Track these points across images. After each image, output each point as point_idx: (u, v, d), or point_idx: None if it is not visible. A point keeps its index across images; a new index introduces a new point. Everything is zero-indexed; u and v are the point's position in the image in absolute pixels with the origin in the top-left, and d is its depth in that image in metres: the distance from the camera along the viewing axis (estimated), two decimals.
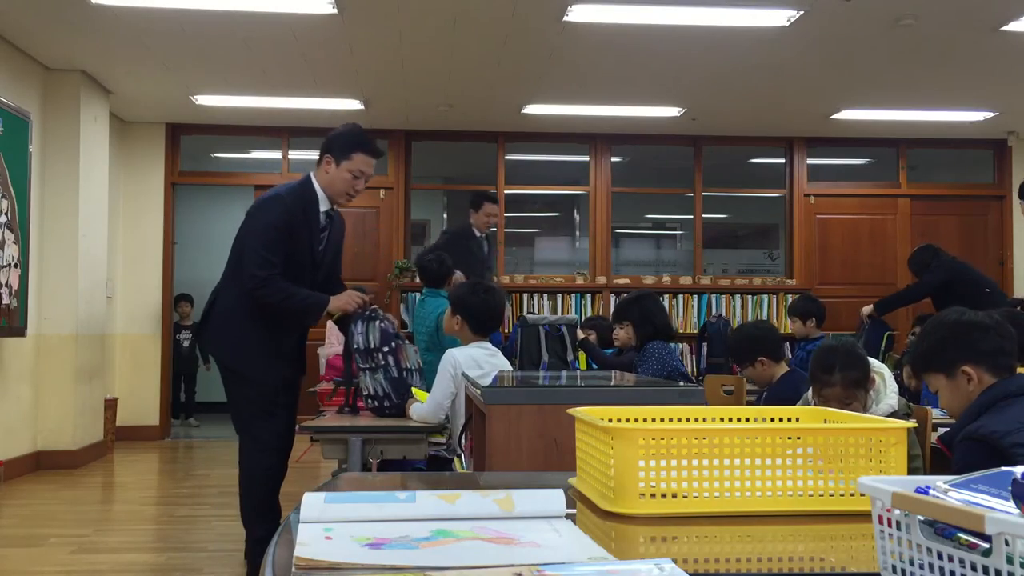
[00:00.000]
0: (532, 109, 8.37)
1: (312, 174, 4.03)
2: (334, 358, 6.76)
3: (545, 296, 9.12)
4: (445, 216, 11.31)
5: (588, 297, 9.18)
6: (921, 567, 0.97)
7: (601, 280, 9.31)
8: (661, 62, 7.02)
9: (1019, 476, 0.95)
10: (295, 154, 9.26)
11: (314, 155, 4.20)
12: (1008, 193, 9.62)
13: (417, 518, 1.25)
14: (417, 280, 7.81)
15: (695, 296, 9.28)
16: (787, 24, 6.09)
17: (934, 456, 3.36)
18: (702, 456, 1.46)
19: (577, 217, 10.46)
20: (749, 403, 4.95)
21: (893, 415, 3.08)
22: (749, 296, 9.31)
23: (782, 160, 9.76)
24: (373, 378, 4.00)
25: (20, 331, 6.66)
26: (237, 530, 4.30)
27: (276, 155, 9.26)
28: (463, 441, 3.21)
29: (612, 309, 7.56)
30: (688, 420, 1.72)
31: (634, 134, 9.36)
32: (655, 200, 11.12)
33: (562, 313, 8.95)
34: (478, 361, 3.79)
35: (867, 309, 7.26)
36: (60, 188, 7.29)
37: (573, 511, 1.35)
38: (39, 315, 7.08)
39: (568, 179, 10.28)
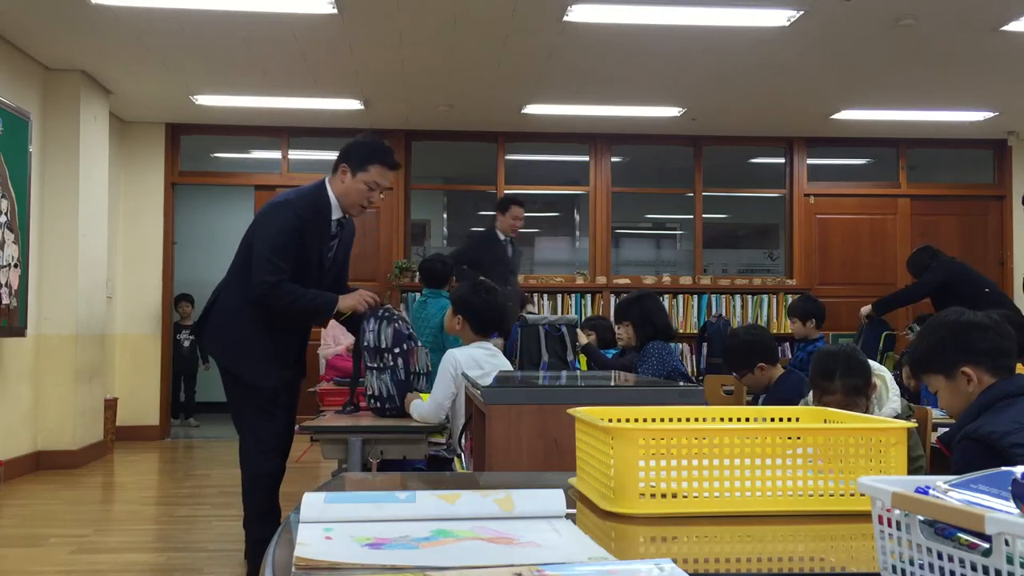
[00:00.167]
0: (532, 109, 8.37)
1: (327, 180, 3.96)
2: (334, 358, 6.77)
3: (545, 296, 9.13)
4: (445, 216, 11.32)
5: (588, 297, 9.18)
6: (921, 567, 0.97)
7: (601, 280, 9.31)
8: (661, 62, 7.02)
9: (1019, 476, 0.95)
10: (295, 154, 9.26)
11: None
12: (1008, 193, 9.63)
13: (417, 518, 1.25)
14: (417, 280, 7.83)
15: (695, 296, 9.28)
16: (787, 24, 6.09)
17: (934, 456, 3.36)
18: (702, 456, 1.46)
19: (577, 217, 10.46)
20: (749, 403, 4.95)
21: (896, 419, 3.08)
22: (749, 296, 9.31)
23: (782, 160, 9.76)
24: (379, 379, 3.98)
25: (20, 331, 6.66)
26: (237, 530, 4.30)
27: (276, 155, 9.26)
28: (463, 441, 3.21)
29: (612, 309, 7.58)
30: (688, 420, 1.72)
31: (634, 134, 9.36)
32: (655, 200, 11.12)
33: (562, 313, 8.95)
34: (479, 361, 3.79)
35: (866, 309, 7.27)
36: (60, 188, 7.29)
37: (573, 511, 1.35)
38: (39, 315, 7.08)
39: (568, 179, 10.28)
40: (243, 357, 3.91)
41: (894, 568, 1.02)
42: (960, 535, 0.93)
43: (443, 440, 4.01)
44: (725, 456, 1.47)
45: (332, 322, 4.43)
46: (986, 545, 0.90)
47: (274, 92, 7.89)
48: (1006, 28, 6.20)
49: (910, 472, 1.63)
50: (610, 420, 1.57)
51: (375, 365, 3.98)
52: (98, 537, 5.07)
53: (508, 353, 4.62)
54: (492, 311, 4.05)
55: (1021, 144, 9.64)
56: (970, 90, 7.83)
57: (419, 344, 4.12)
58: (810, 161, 9.72)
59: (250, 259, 3.84)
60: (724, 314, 8.93)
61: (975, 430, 2.30)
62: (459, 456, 3.38)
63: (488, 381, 2.77)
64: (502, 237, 6.93)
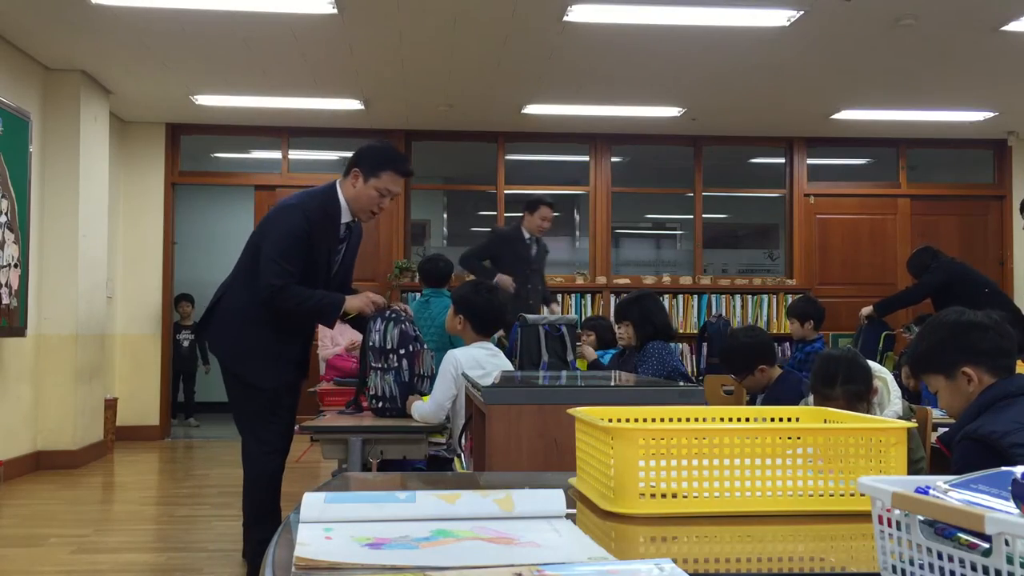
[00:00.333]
0: (532, 109, 8.37)
1: (338, 183, 3.93)
2: (334, 358, 6.77)
3: None
4: (445, 216, 11.32)
5: (588, 297, 9.18)
6: (921, 567, 0.97)
7: (601, 280, 9.31)
8: (661, 62, 7.02)
9: (1019, 476, 0.95)
10: (295, 154, 9.26)
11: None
12: (1008, 193, 9.63)
13: (417, 518, 1.25)
14: (417, 280, 7.83)
15: (695, 296, 9.28)
16: (787, 24, 6.09)
17: (934, 456, 3.36)
18: (702, 456, 1.46)
19: (577, 217, 10.46)
20: (748, 403, 4.95)
21: None
22: (749, 296, 9.31)
23: (782, 160, 9.76)
24: (383, 379, 3.97)
25: (20, 331, 6.66)
26: (237, 530, 4.30)
27: (276, 155, 9.26)
28: (463, 441, 3.21)
29: (612, 309, 7.58)
30: (688, 420, 1.72)
31: (634, 134, 9.36)
32: (655, 200, 11.12)
33: (562, 313, 8.95)
34: (479, 361, 3.79)
35: (867, 310, 7.26)
36: (60, 188, 7.29)
37: (573, 511, 1.35)
38: (39, 315, 7.08)
39: (568, 179, 10.29)
40: (247, 358, 3.90)
41: (894, 568, 1.02)
42: (960, 535, 0.93)
43: (443, 440, 4.01)
44: (725, 456, 1.47)
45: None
46: (986, 545, 0.90)
47: (274, 92, 7.89)
48: (1006, 28, 6.20)
49: (911, 475, 1.62)
50: (610, 420, 1.57)
51: (379, 365, 3.97)
52: (98, 537, 5.07)
53: (508, 353, 4.62)
54: (493, 311, 4.05)
55: (1021, 144, 9.64)
56: (970, 90, 7.83)
57: (425, 347, 4.11)
58: (810, 161, 9.72)
59: (257, 260, 3.81)
60: (724, 314, 8.93)
61: (975, 430, 2.30)
62: (459, 456, 3.38)
63: (489, 381, 2.77)
64: (527, 236, 6.95)
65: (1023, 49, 6.66)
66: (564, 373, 4.20)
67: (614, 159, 9.66)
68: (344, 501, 1.27)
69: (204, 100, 8.14)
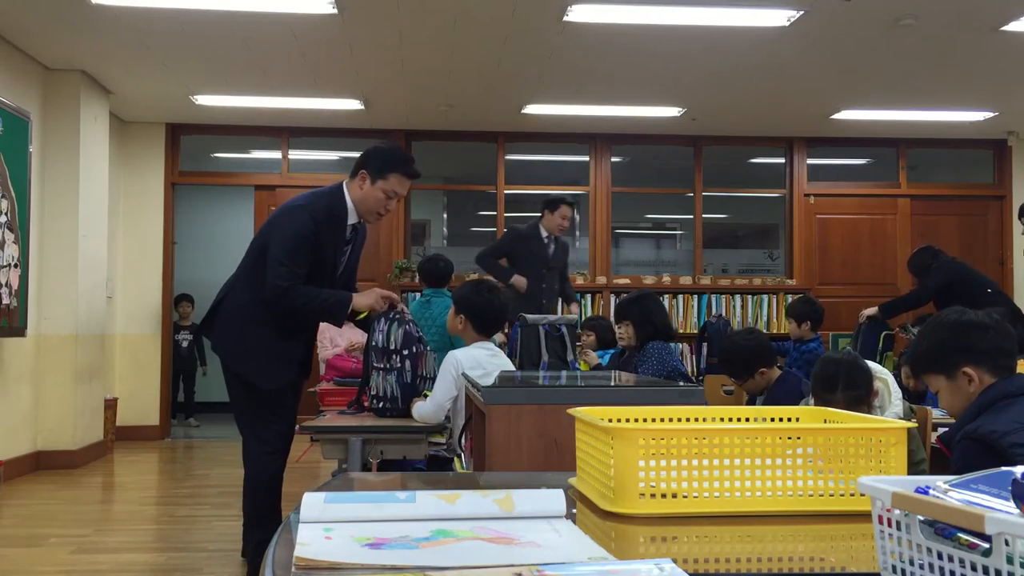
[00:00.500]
0: (532, 109, 8.37)
1: (345, 184, 3.93)
2: (334, 359, 6.76)
3: None
4: (445, 216, 11.32)
5: (588, 297, 9.18)
6: (921, 567, 0.97)
7: (601, 280, 9.31)
8: (661, 62, 7.02)
9: (1019, 476, 0.95)
10: (295, 154, 9.25)
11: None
12: (1008, 193, 9.63)
13: (417, 518, 1.25)
14: (417, 280, 7.82)
15: (695, 296, 9.28)
16: (787, 24, 6.09)
17: (934, 456, 3.36)
18: (702, 456, 1.46)
19: (577, 217, 10.45)
20: (748, 403, 4.95)
21: None
22: (749, 296, 9.31)
23: (782, 160, 9.76)
24: (385, 379, 3.97)
25: (20, 331, 6.66)
26: (237, 530, 4.30)
27: (276, 155, 9.26)
28: (463, 441, 3.21)
29: (612, 309, 7.58)
30: (688, 420, 1.72)
31: (634, 134, 9.36)
32: (655, 200, 11.12)
33: (562, 313, 8.95)
34: (480, 361, 3.79)
35: (871, 311, 7.25)
36: (60, 188, 7.29)
37: (573, 511, 1.35)
38: (39, 315, 7.08)
39: (568, 179, 10.28)
40: (249, 358, 3.89)
41: (894, 568, 1.02)
42: (960, 535, 0.93)
43: (443, 440, 4.01)
44: (725, 456, 1.47)
45: (325, 324, 4.42)
46: (986, 545, 0.90)
47: (274, 92, 7.88)
48: (1006, 28, 6.20)
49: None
50: (610, 420, 1.57)
51: (382, 366, 3.97)
52: (98, 537, 5.07)
53: (508, 353, 4.62)
54: (494, 311, 4.05)
55: (1021, 144, 9.63)
56: (970, 90, 7.83)
57: (428, 349, 4.11)
58: (810, 161, 9.72)
59: (262, 260, 3.80)
60: (724, 314, 8.93)
61: (975, 430, 2.30)
62: (459, 456, 3.38)
63: (489, 381, 2.77)
64: (544, 235, 6.94)
65: (1023, 49, 6.66)
66: (564, 373, 4.20)
67: (614, 159, 9.66)
68: (344, 501, 1.27)
69: (204, 100, 8.14)
